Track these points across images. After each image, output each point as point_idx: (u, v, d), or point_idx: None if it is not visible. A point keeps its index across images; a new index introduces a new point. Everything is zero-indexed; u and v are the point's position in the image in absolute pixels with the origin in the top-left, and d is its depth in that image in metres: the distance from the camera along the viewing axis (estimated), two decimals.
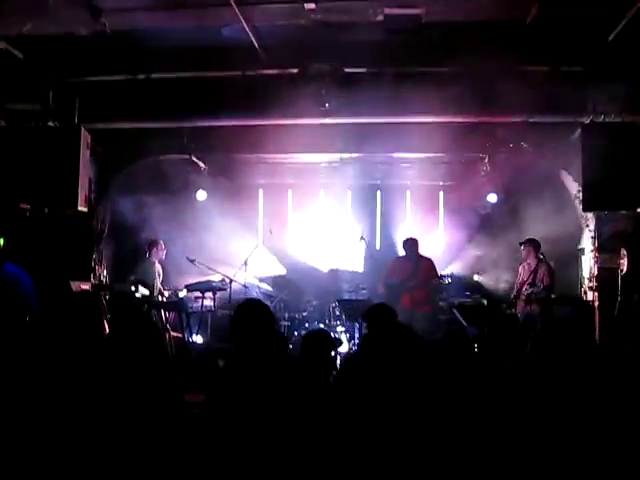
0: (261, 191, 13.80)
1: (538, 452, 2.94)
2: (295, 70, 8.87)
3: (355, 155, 12.03)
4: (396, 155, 12.05)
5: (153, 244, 11.04)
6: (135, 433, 3.50)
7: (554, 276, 10.07)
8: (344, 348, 10.70)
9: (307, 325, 10.95)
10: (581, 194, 8.91)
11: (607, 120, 8.64)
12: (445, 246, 12.79)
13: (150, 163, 11.41)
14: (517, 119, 9.34)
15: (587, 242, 11.03)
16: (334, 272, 12.83)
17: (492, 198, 12.12)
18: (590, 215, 10.63)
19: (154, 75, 9.11)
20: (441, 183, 13.27)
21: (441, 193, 13.40)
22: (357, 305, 9.99)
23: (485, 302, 11.67)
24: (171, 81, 9.24)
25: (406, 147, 11.08)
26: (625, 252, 10.13)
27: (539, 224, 10.66)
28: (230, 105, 9.07)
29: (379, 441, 2.82)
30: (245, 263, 10.98)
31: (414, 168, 12.85)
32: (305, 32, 8.01)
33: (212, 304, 10.61)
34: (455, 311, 9.38)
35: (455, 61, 8.18)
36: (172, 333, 10.37)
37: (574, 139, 9.73)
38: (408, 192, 13.48)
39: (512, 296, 10.39)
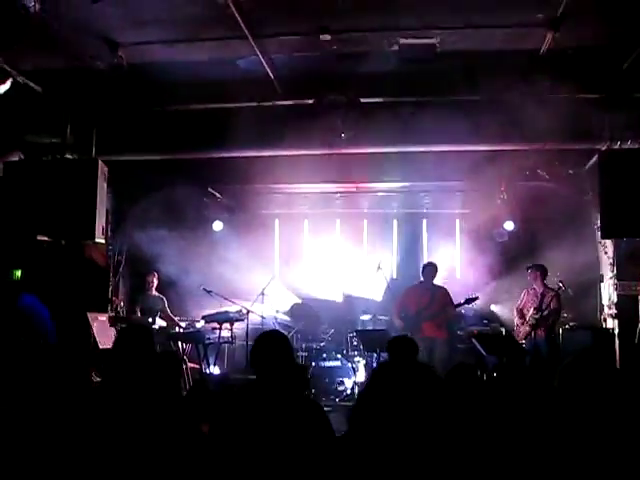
0: (277, 221, 13.83)
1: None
2: (311, 101, 8.91)
3: (372, 185, 12.03)
4: (411, 183, 12.02)
5: (150, 274, 11.44)
6: (152, 464, 3.48)
7: (561, 301, 9.99)
8: (361, 378, 10.65)
9: (324, 355, 10.89)
10: (599, 221, 8.86)
11: (624, 147, 8.61)
12: (461, 275, 12.73)
13: (166, 194, 11.45)
14: (535, 147, 9.30)
15: (606, 269, 10.95)
16: (350, 299, 12.80)
17: (509, 226, 12.07)
18: (609, 242, 10.56)
19: (171, 107, 9.19)
20: (457, 211, 13.25)
21: (457, 221, 13.37)
22: (375, 336, 9.91)
23: (503, 331, 11.59)
24: (187, 113, 9.30)
25: (422, 176, 11.07)
26: None
27: (557, 252, 10.59)
28: (245, 136, 9.10)
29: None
30: (262, 293, 10.97)
31: (430, 196, 12.84)
32: (321, 63, 8.07)
33: (229, 335, 10.57)
34: (474, 340, 9.26)
35: (472, 89, 8.22)
36: (189, 364, 10.36)
37: (591, 166, 9.70)
38: (424, 220, 13.46)
39: (515, 323, 10.33)
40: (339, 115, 8.82)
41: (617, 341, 10.40)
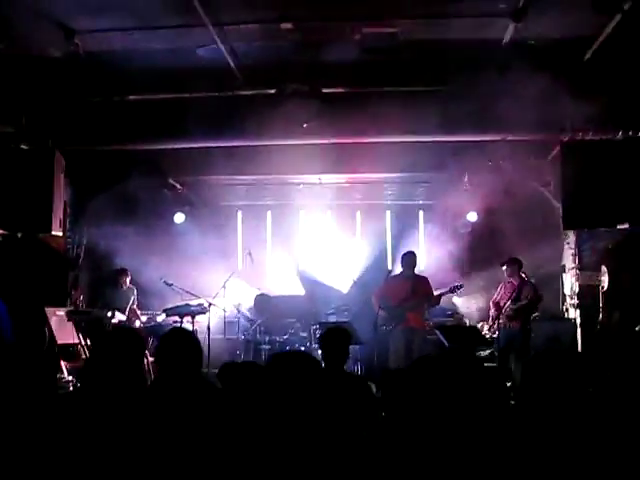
0: (240, 213, 13.71)
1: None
2: (272, 91, 8.81)
3: (334, 176, 11.96)
4: (375, 175, 11.97)
5: (123, 273, 11.12)
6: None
7: (538, 292, 10.02)
8: None
9: (287, 348, 10.77)
10: (561, 211, 8.89)
11: (585, 138, 8.64)
12: (425, 267, 12.71)
13: (126, 186, 11.24)
14: (500, 137, 9.29)
15: (568, 260, 11.03)
16: (314, 292, 12.72)
17: (472, 217, 12.09)
18: (571, 233, 10.64)
19: (129, 97, 9.03)
20: (420, 202, 13.24)
21: (421, 212, 13.36)
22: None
23: (467, 322, 11.63)
24: (146, 103, 9.14)
25: (385, 167, 10.99)
26: (605, 269, 10.14)
27: (521, 243, 10.63)
28: (206, 126, 8.97)
29: None
30: (224, 286, 10.84)
31: (393, 188, 12.82)
32: (283, 52, 7.96)
33: (191, 328, 10.41)
34: (437, 331, 9.25)
35: (438, 81, 8.22)
36: (150, 358, 10.19)
37: (554, 157, 9.73)
38: (388, 212, 13.44)
39: (490, 315, 10.31)
40: (301, 105, 8.72)
41: (579, 330, 10.50)
